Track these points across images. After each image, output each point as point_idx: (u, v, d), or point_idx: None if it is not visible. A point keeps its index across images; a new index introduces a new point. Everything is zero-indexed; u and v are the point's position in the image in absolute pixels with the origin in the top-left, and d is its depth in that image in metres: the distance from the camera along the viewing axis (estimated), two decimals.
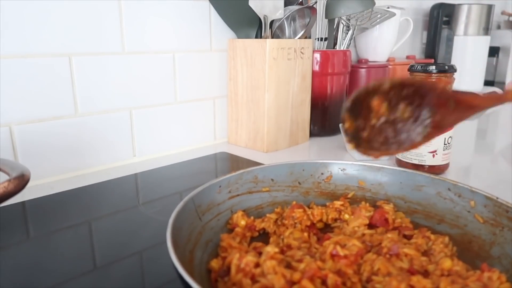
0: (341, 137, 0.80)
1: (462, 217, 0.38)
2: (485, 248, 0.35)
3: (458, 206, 0.39)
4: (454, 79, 0.57)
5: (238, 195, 0.41)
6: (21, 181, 0.35)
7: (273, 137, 0.71)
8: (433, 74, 0.55)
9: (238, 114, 0.74)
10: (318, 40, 0.83)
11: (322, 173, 0.46)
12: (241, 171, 0.42)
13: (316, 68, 0.78)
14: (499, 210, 0.36)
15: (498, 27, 1.59)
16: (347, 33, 0.86)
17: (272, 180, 0.44)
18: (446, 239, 0.36)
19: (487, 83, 1.38)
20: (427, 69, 0.55)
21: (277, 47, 0.67)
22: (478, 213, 0.37)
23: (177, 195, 0.53)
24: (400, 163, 0.61)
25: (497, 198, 0.36)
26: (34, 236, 0.42)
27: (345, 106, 0.33)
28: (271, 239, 0.38)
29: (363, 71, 0.92)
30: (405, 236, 0.38)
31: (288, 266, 0.31)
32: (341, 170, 0.46)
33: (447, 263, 0.31)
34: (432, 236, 0.36)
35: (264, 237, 0.40)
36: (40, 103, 0.54)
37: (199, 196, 0.37)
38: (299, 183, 0.45)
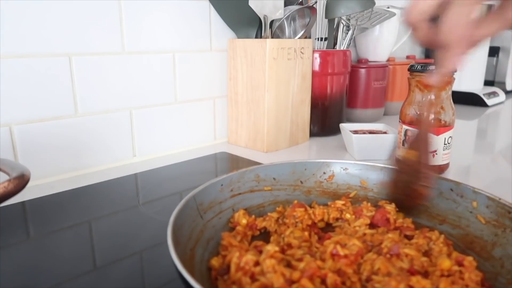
0: (341, 137, 0.80)
1: (464, 218, 0.38)
2: (486, 249, 0.35)
3: (460, 206, 0.39)
4: (454, 79, 0.57)
5: (240, 193, 0.41)
6: (21, 181, 0.35)
7: (273, 137, 0.71)
8: None
9: (238, 114, 0.74)
10: (318, 40, 0.83)
11: (324, 172, 0.46)
12: (243, 169, 0.42)
13: (316, 68, 0.78)
14: (502, 211, 0.35)
15: None
16: (347, 33, 0.86)
17: (274, 179, 0.44)
18: (442, 237, 0.36)
19: (487, 83, 1.38)
20: (427, 68, 0.55)
21: (277, 47, 0.67)
22: (480, 213, 0.37)
23: (177, 195, 0.53)
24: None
25: (500, 199, 0.36)
26: (34, 236, 0.42)
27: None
28: (272, 238, 0.38)
29: (363, 71, 0.92)
30: (406, 236, 0.38)
31: (288, 265, 0.31)
32: (343, 170, 0.46)
33: (446, 263, 0.31)
34: (433, 236, 0.36)
35: (265, 236, 0.39)
36: (40, 103, 0.54)
37: (201, 194, 0.37)
38: (301, 182, 0.45)
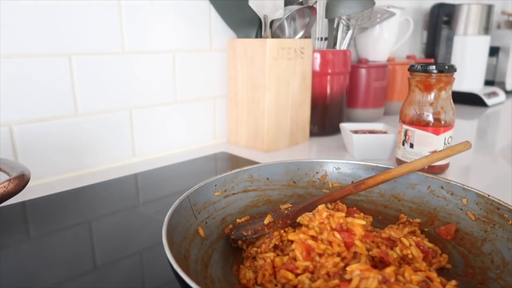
0: (341, 137, 0.80)
1: (455, 215, 0.39)
2: (476, 245, 0.35)
3: (450, 203, 0.40)
4: (454, 79, 0.57)
5: (233, 194, 0.42)
6: (21, 181, 0.35)
7: (273, 137, 0.71)
8: (433, 74, 0.55)
9: (238, 114, 0.74)
10: (318, 40, 0.83)
11: (317, 172, 0.46)
12: (237, 170, 0.43)
13: (316, 68, 0.78)
14: (491, 207, 0.36)
15: (498, 27, 1.58)
16: (347, 33, 0.86)
17: (267, 179, 0.44)
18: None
19: (487, 83, 1.38)
20: (427, 68, 0.55)
21: (277, 47, 0.67)
22: (470, 210, 0.38)
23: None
24: (400, 163, 0.61)
25: (489, 195, 0.37)
26: (34, 236, 0.42)
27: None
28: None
29: (363, 71, 0.92)
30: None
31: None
32: (336, 169, 0.46)
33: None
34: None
35: None
36: (40, 103, 0.54)
37: (195, 194, 0.38)
38: (294, 182, 0.45)
